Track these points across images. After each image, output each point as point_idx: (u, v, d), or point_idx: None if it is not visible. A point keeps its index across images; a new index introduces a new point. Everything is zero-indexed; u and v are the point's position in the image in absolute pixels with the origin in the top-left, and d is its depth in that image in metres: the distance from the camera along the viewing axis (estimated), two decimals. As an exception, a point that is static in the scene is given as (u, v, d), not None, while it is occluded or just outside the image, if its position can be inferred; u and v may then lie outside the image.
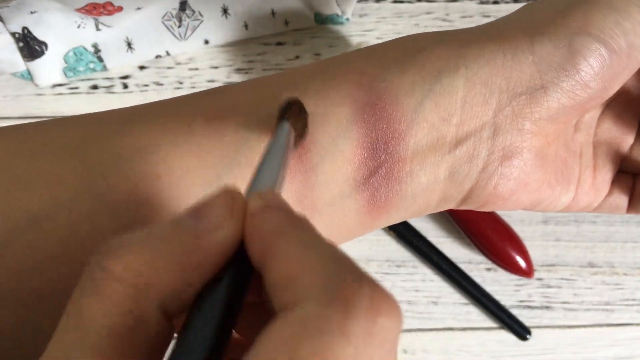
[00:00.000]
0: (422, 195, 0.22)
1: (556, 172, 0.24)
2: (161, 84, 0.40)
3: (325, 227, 0.22)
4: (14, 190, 0.19)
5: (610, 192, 0.26)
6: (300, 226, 0.14)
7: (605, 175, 0.25)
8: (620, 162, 0.26)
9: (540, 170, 0.23)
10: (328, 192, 0.21)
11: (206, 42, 0.40)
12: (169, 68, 0.40)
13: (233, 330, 0.14)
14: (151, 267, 0.13)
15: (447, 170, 0.22)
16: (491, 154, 0.22)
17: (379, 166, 0.21)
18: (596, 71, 0.21)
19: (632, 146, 0.26)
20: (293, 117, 0.20)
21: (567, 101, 0.22)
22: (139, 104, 0.23)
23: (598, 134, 0.26)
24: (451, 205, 0.24)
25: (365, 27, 0.41)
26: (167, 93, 0.40)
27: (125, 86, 0.40)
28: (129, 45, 0.39)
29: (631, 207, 0.26)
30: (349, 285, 0.12)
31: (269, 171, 0.17)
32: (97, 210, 0.19)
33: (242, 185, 0.20)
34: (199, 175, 0.20)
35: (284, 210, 0.15)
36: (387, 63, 0.22)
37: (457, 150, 0.22)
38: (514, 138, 0.22)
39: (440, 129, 0.22)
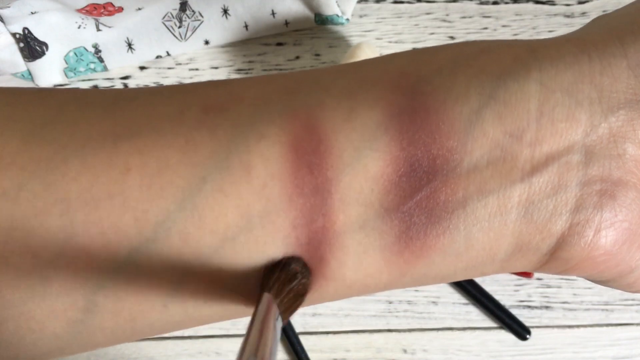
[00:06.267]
0: (481, 239, 0.17)
1: None
2: (162, 85, 0.40)
3: (338, 265, 0.17)
4: None
5: None
6: None
7: None
8: None
9: None
10: (343, 216, 0.16)
11: (206, 42, 0.40)
12: (170, 68, 0.40)
13: None
14: None
15: (522, 206, 0.16)
16: (585, 186, 0.16)
17: (418, 190, 0.16)
18: None
19: None
20: (280, 284, 0.15)
21: None
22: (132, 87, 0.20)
23: None
24: (533, 261, 0.18)
25: (365, 28, 0.41)
26: (168, 93, 0.40)
27: (126, 87, 0.40)
28: (130, 45, 0.39)
29: None
30: None
31: None
32: (46, 200, 0.16)
33: (229, 198, 0.16)
34: (179, 174, 0.16)
35: None
36: (438, 64, 0.17)
37: (535, 178, 0.16)
38: (613, 166, 0.16)
39: (506, 148, 0.16)
